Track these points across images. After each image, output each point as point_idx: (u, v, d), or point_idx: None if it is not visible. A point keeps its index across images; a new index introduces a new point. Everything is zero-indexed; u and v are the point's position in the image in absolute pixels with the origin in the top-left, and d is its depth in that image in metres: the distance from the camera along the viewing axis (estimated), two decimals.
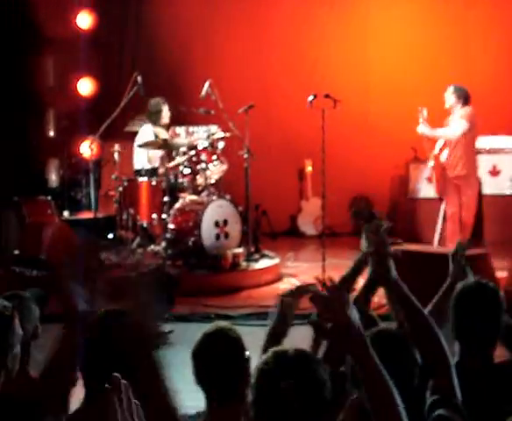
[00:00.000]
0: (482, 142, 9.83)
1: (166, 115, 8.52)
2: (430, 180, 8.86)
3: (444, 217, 8.29)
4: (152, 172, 8.37)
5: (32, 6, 10.18)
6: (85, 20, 10.95)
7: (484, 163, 9.57)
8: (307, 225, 11.18)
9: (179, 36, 10.88)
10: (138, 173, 8.41)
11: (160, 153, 8.39)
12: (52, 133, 10.98)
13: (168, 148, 8.10)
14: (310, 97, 7.25)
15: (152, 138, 8.27)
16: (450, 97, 8.03)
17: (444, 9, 10.70)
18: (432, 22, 10.80)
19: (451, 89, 8.03)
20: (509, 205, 9.65)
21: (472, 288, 2.89)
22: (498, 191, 9.62)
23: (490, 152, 9.79)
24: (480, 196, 8.64)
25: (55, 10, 10.36)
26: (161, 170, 8.22)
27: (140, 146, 8.29)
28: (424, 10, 10.83)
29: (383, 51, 10.99)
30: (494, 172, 9.85)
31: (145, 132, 8.47)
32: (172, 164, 8.17)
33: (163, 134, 8.39)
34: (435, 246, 7.81)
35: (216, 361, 2.56)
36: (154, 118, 8.50)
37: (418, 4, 10.85)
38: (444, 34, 10.72)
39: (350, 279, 3.28)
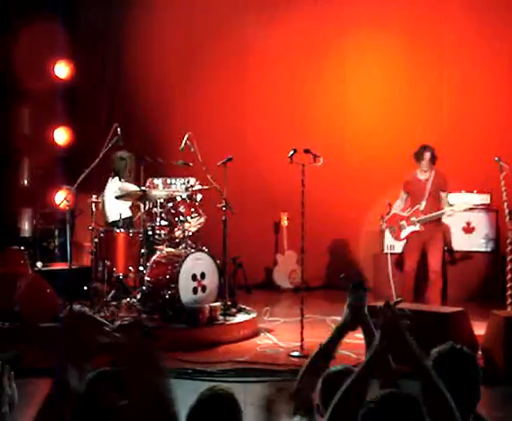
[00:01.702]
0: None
1: (130, 171, 8.54)
2: None
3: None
4: (128, 223, 8.31)
5: (8, 55, 10.15)
6: (62, 70, 10.96)
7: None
8: (282, 279, 11.14)
9: (158, 88, 10.94)
10: (114, 224, 8.33)
11: (129, 203, 8.38)
12: (26, 182, 10.86)
13: (146, 200, 8.04)
14: (291, 152, 7.24)
15: (116, 193, 8.28)
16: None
17: (420, 63, 10.87)
18: (409, 78, 10.97)
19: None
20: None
21: (448, 354, 2.78)
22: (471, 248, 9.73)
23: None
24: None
25: (32, 59, 10.35)
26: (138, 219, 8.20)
27: (118, 197, 8.23)
28: (401, 64, 11.00)
29: (359, 106, 11.14)
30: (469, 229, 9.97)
31: (116, 185, 8.47)
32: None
33: (132, 187, 8.37)
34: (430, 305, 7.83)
35: None
36: (118, 175, 8.49)
37: (394, 58, 11.02)
38: (420, 90, 10.89)
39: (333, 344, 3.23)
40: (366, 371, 2.64)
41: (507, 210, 7.83)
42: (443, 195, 8.28)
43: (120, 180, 8.51)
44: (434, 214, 8.18)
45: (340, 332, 3.22)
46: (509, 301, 7.51)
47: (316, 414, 2.99)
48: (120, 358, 1.71)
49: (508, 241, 7.55)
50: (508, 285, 7.56)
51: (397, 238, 8.57)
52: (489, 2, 10.58)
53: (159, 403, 1.68)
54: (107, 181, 8.65)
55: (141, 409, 1.68)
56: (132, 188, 8.35)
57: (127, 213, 8.63)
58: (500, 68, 10.57)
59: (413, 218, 8.31)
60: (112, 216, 8.47)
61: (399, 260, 8.97)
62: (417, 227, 8.26)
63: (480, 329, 7.01)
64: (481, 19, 10.56)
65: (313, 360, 3.20)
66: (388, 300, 2.83)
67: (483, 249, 9.87)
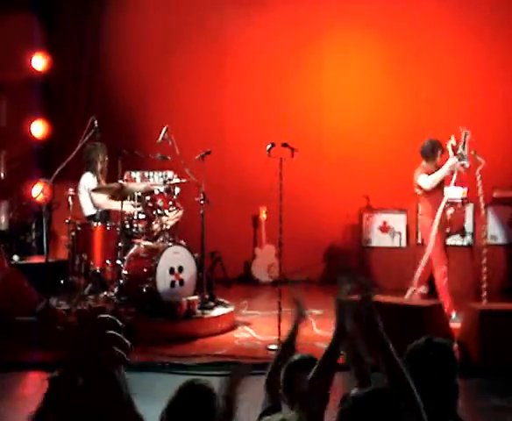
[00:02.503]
0: None
1: (102, 162, 8.50)
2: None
3: None
4: (105, 217, 8.28)
5: None
6: (40, 62, 10.86)
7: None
8: (261, 273, 11.15)
9: (136, 80, 10.88)
10: (92, 218, 8.29)
11: (105, 197, 8.31)
12: (2, 175, 10.76)
13: (124, 193, 8.00)
14: (268, 146, 7.25)
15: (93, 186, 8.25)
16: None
17: (396, 59, 10.94)
18: (386, 73, 11.02)
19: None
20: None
21: (424, 347, 2.77)
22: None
23: None
24: None
25: (9, 51, 10.25)
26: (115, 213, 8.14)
27: (94, 190, 8.19)
28: (378, 61, 11.06)
29: (336, 100, 11.17)
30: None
31: (88, 180, 8.42)
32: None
33: (99, 199, 8.33)
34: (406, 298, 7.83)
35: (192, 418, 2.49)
36: (90, 167, 8.46)
37: (372, 55, 11.08)
38: (396, 85, 10.95)
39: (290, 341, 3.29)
40: (331, 350, 2.66)
41: (483, 205, 7.90)
42: None
43: (92, 173, 8.42)
44: None
45: (296, 326, 3.32)
46: (484, 294, 7.58)
47: (281, 403, 3.03)
48: (76, 345, 1.69)
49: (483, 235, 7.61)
50: (483, 278, 7.62)
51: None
52: None
53: (115, 391, 1.66)
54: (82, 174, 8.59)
55: (97, 397, 1.66)
56: (100, 200, 8.29)
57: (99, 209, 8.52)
58: (476, 61, 10.66)
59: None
60: (88, 210, 8.42)
61: None
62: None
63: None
64: (457, 12, 10.64)
65: (278, 355, 3.28)
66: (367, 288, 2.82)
67: (459, 243, 9.93)
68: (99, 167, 8.48)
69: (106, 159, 8.55)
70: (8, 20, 9.85)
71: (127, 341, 1.70)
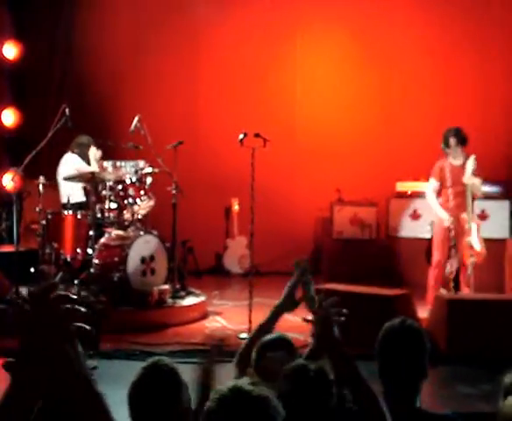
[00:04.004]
0: (404, 187, 10.18)
1: (92, 156, 8.52)
2: None
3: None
4: (79, 205, 8.25)
5: None
6: (10, 51, 10.77)
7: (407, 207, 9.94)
8: (232, 264, 11.18)
9: (108, 69, 10.83)
10: (65, 206, 8.26)
11: (81, 185, 8.32)
12: None
13: (95, 182, 7.97)
14: (241, 136, 7.28)
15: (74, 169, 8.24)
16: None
17: (369, 52, 11.03)
18: (358, 65, 11.11)
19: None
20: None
21: (397, 328, 2.85)
22: (417, 235, 9.81)
23: (412, 196, 10.06)
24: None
25: None
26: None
27: (66, 178, 8.15)
28: (350, 53, 11.15)
29: (310, 92, 11.25)
30: (415, 215, 10.10)
31: (69, 161, 8.41)
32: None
33: (88, 168, 8.34)
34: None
35: (157, 397, 2.50)
36: (80, 152, 8.46)
37: (345, 48, 11.16)
38: (368, 77, 11.05)
39: (268, 325, 3.32)
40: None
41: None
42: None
43: (80, 157, 8.45)
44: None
45: (277, 312, 3.32)
46: (452, 284, 7.69)
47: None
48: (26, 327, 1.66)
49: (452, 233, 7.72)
50: (449, 269, 7.73)
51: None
52: None
53: (67, 367, 1.64)
54: (58, 160, 8.56)
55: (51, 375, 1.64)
56: (89, 168, 8.31)
57: (79, 197, 8.51)
58: (446, 59, 10.79)
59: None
60: (64, 197, 8.41)
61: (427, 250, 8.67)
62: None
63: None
64: (429, 6, 10.76)
65: (252, 336, 3.30)
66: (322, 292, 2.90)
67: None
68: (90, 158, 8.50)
69: (99, 154, 8.58)
70: None
71: (83, 309, 1.67)
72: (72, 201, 8.27)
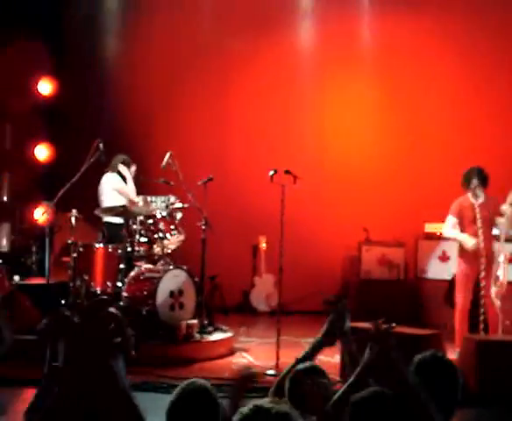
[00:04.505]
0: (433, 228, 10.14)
1: (129, 175, 8.84)
2: None
3: None
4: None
5: None
6: (46, 87, 11.01)
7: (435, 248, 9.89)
8: (259, 302, 11.18)
9: (141, 106, 11.02)
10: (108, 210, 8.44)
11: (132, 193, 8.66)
12: (5, 198, 10.85)
13: (127, 216, 8.08)
14: (271, 172, 7.35)
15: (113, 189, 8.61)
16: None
17: (397, 92, 11.10)
18: (386, 105, 11.18)
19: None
20: None
21: (429, 359, 2.88)
22: (445, 276, 9.73)
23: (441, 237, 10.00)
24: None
25: (16, 76, 10.38)
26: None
27: (101, 212, 8.30)
28: (378, 94, 11.21)
29: (338, 131, 11.34)
30: (444, 257, 10.05)
31: (110, 180, 8.74)
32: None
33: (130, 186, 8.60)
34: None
35: (194, 415, 2.54)
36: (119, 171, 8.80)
37: (373, 89, 11.23)
38: (396, 117, 11.11)
39: (307, 358, 3.33)
40: (354, 384, 2.73)
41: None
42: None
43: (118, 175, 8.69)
44: None
45: (317, 346, 3.33)
46: (482, 326, 7.61)
47: None
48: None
49: (481, 267, 7.63)
50: (481, 311, 7.66)
51: None
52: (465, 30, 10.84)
53: (111, 382, 1.69)
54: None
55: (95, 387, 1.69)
56: (126, 187, 8.59)
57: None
58: (472, 97, 10.81)
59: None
60: (107, 201, 8.69)
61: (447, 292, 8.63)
62: None
63: None
64: (457, 48, 10.83)
65: (290, 368, 3.30)
66: (377, 321, 2.93)
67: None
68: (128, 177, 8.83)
69: (133, 168, 8.90)
70: (15, 45, 9.98)
71: (130, 332, 1.73)
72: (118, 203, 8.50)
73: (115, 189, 8.72)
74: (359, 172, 11.07)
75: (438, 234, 10.03)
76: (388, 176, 11.00)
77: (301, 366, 3.16)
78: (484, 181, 7.80)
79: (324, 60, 11.31)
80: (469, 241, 7.74)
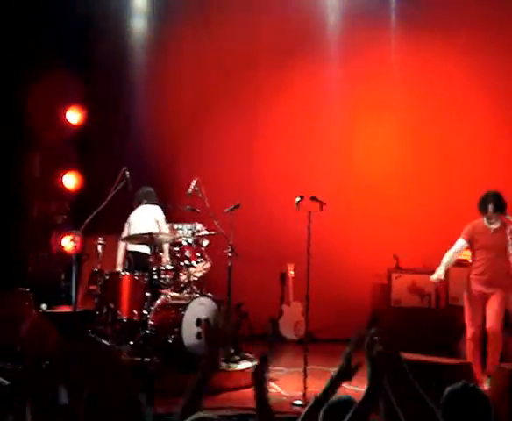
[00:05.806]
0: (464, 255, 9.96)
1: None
2: None
3: None
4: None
5: (21, 100, 10.30)
6: (74, 116, 11.10)
7: None
8: (287, 330, 11.06)
9: (168, 133, 11.05)
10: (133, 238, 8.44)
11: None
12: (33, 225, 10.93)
13: (153, 243, 8.06)
14: (297, 199, 7.29)
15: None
16: None
17: (429, 117, 11.00)
18: (416, 132, 11.08)
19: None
20: None
21: (461, 391, 2.84)
22: None
23: None
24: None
25: (45, 105, 10.50)
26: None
27: (123, 240, 8.29)
28: (408, 121, 11.11)
29: (367, 157, 11.23)
30: None
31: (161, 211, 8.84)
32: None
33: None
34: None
35: None
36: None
37: (403, 115, 11.14)
38: (427, 144, 11.00)
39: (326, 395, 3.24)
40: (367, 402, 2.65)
41: None
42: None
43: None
44: None
45: (335, 382, 3.24)
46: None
47: None
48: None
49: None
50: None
51: None
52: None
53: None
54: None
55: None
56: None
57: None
58: (506, 129, 10.68)
59: None
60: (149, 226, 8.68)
61: None
62: None
63: None
64: (484, 78, 10.71)
65: (309, 409, 3.23)
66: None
67: None
68: None
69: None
70: (44, 75, 10.11)
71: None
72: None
73: (163, 219, 8.69)
74: (388, 198, 10.95)
75: (469, 261, 9.86)
76: (418, 202, 10.87)
77: (334, 399, 3.07)
78: (501, 207, 7.65)
79: (353, 86, 11.24)
80: (435, 273, 7.77)
